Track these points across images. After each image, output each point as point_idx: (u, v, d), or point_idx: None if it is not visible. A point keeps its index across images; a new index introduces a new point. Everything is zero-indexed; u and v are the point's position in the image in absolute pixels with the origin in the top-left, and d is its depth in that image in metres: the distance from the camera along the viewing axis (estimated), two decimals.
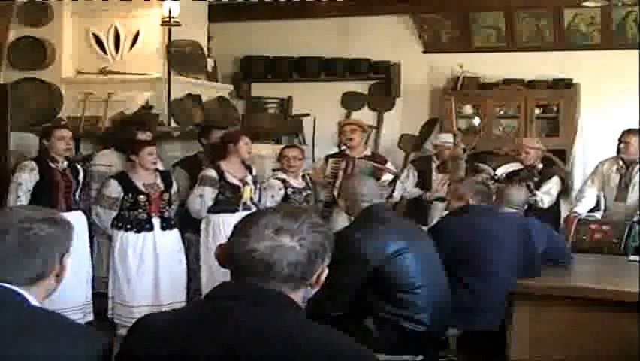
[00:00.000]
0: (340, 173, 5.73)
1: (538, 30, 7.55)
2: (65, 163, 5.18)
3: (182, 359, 1.58)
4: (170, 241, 5.32)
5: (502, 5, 7.48)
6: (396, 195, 5.85)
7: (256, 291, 1.61)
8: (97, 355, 1.68)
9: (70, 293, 4.70)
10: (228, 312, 1.59)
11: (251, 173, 5.51)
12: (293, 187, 5.57)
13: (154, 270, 5.23)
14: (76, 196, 5.25)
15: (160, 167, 5.59)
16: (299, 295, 1.66)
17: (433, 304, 3.37)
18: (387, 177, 5.72)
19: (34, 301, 1.74)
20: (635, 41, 7.10)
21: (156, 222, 5.23)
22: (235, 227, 1.68)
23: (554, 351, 3.67)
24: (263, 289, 1.61)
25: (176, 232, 5.39)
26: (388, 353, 3.27)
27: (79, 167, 5.34)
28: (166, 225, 5.29)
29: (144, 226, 5.20)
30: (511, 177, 5.82)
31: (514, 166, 6.12)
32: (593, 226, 5.28)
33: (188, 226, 5.53)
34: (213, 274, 5.24)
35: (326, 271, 1.70)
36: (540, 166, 6.02)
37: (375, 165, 5.76)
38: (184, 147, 6.41)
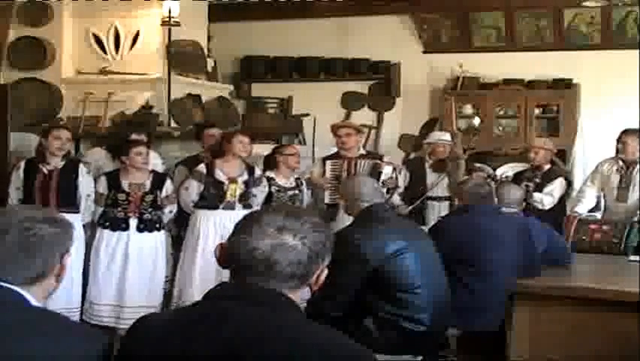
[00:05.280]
0: (343, 174, 5.72)
1: (538, 30, 7.55)
2: (61, 163, 5.15)
3: (181, 360, 1.58)
4: (146, 243, 5.21)
5: (502, 5, 7.48)
6: (395, 198, 5.83)
7: (256, 291, 1.61)
8: (97, 355, 1.68)
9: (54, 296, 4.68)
10: (228, 312, 1.59)
11: (251, 174, 5.47)
12: (278, 185, 5.59)
13: (121, 270, 5.16)
14: (76, 197, 5.18)
15: (160, 168, 5.58)
16: (298, 296, 1.66)
17: (433, 304, 3.36)
18: (388, 169, 5.71)
19: (33, 301, 1.73)
20: (635, 41, 7.11)
21: (133, 222, 5.17)
22: (235, 226, 1.67)
23: (554, 351, 3.67)
24: (263, 289, 1.61)
25: (157, 235, 5.26)
26: (388, 353, 3.26)
27: (82, 167, 5.27)
28: (144, 226, 5.19)
29: (119, 225, 5.16)
30: (516, 178, 5.79)
31: (518, 166, 6.10)
32: (593, 226, 5.26)
33: (184, 225, 5.52)
34: (185, 276, 5.27)
35: (326, 271, 1.70)
36: (546, 167, 5.99)
37: (375, 160, 5.77)
38: (184, 147, 6.41)
